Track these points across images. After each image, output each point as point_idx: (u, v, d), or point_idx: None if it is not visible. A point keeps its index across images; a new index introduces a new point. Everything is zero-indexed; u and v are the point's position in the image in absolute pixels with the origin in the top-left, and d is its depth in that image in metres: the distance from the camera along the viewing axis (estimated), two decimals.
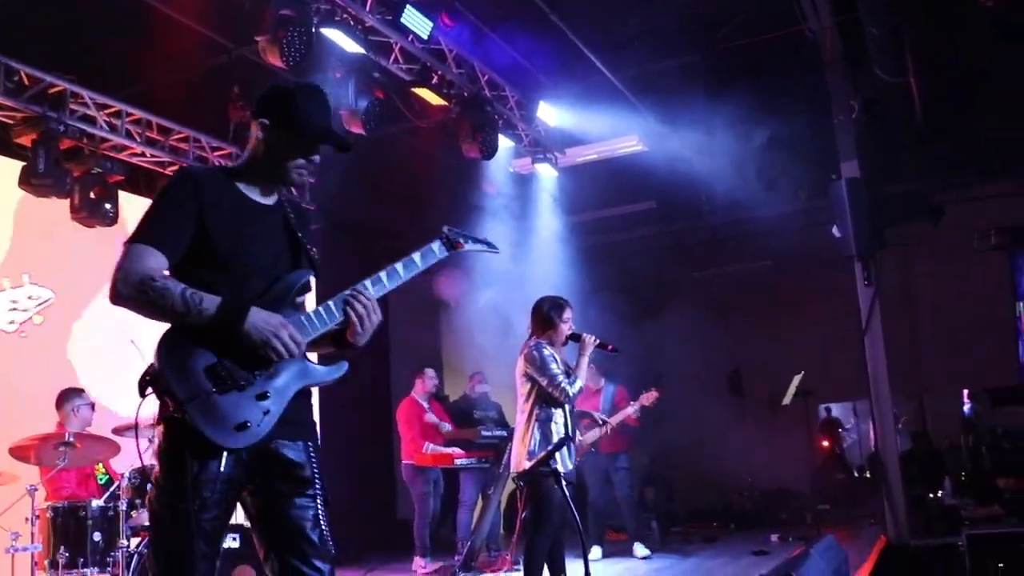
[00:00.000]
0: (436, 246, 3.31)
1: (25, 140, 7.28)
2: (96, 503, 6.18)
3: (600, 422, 7.86)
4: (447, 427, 9.33)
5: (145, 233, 2.88)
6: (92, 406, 6.99)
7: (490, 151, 9.08)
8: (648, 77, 9.80)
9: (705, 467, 12.58)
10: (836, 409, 14.45)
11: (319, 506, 3.01)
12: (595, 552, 9.47)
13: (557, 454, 5.51)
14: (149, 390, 2.78)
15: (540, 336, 5.86)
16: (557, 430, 5.69)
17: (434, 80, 8.57)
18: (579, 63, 9.25)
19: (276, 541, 2.96)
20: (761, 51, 9.40)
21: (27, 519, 6.03)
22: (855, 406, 14.30)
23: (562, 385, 5.66)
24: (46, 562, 6.10)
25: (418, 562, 9.07)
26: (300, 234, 3.15)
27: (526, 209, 11.19)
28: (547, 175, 10.80)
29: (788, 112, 9.60)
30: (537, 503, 5.70)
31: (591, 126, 10.33)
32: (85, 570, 6.09)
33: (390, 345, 13.15)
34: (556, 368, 5.69)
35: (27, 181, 7.24)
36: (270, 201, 3.12)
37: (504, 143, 9.56)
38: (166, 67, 8.05)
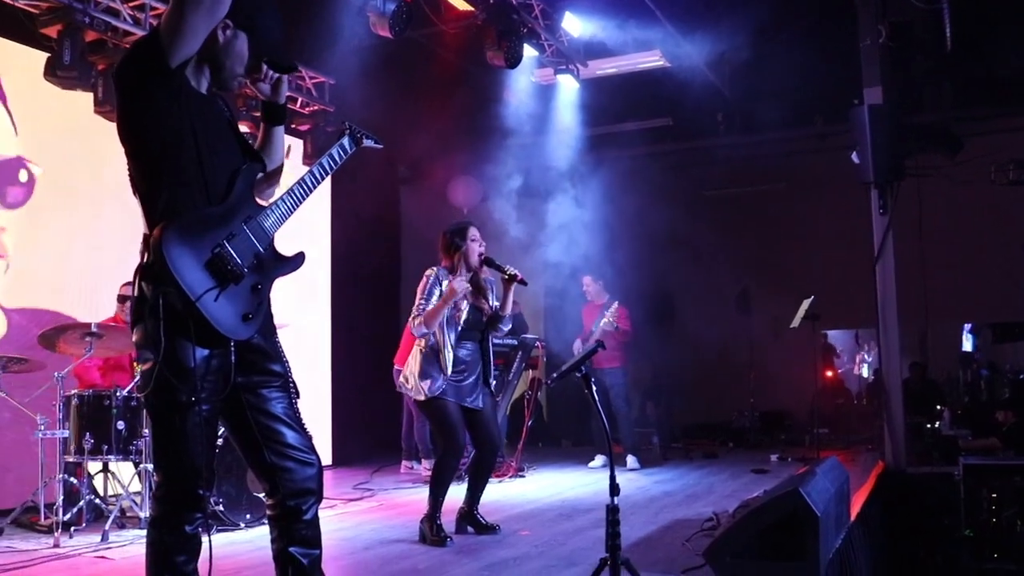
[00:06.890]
0: (346, 141, 3.43)
1: (51, 31, 7.19)
2: (120, 392, 6.26)
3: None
4: None
5: None
6: None
7: (514, 60, 8.99)
8: None
9: (707, 385, 12.78)
10: (837, 335, 14.58)
11: (293, 397, 3.10)
12: (597, 460, 9.80)
13: (449, 386, 5.58)
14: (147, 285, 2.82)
15: (447, 263, 5.80)
16: (441, 358, 5.61)
17: None
18: None
19: (262, 438, 3.01)
20: None
21: (54, 405, 6.15)
22: (857, 333, 14.42)
23: (414, 315, 5.62)
24: (72, 448, 6.25)
25: (423, 464, 9.25)
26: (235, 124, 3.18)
27: (545, 120, 11.10)
28: (569, 86, 10.72)
29: (811, 35, 9.52)
30: (435, 425, 5.90)
31: (614, 38, 10.20)
32: (109, 456, 6.26)
33: (401, 256, 13.27)
34: (431, 297, 5.61)
35: (52, 73, 7.15)
36: (205, 91, 3.06)
37: (527, 52, 9.45)
38: None
